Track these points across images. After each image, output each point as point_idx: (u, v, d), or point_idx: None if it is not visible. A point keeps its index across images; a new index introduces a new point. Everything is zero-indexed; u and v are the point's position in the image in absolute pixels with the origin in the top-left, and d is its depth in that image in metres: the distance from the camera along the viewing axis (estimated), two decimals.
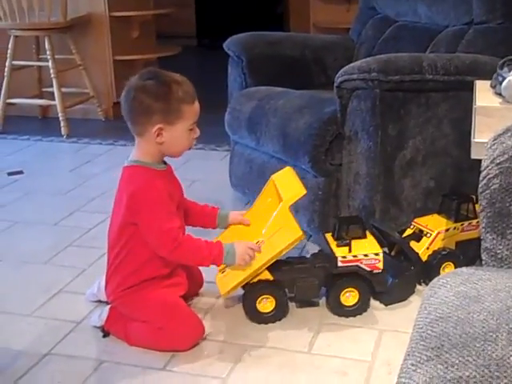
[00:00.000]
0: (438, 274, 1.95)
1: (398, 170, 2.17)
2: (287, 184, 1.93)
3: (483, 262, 1.14)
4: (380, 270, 1.90)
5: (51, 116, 4.18)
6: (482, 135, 1.47)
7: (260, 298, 1.87)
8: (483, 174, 1.10)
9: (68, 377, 1.68)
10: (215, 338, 1.83)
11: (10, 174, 3.23)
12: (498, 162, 1.09)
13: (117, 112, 4.24)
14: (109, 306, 1.88)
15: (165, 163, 1.86)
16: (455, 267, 2.01)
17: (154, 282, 1.83)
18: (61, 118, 3.83)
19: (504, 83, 1.75)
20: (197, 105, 1.80)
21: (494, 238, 1.09)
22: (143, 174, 1.79)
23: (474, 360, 0.79)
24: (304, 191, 1.87)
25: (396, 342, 1.78)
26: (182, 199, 1.93)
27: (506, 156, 1.09)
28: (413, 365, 0.82)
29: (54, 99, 3.86)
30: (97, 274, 2.13)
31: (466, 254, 2.06)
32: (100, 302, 1.98)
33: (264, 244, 1.83)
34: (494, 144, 1.12)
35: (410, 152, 2.17)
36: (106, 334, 1.86)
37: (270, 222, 1.85)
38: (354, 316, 1.92)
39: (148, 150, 1.80)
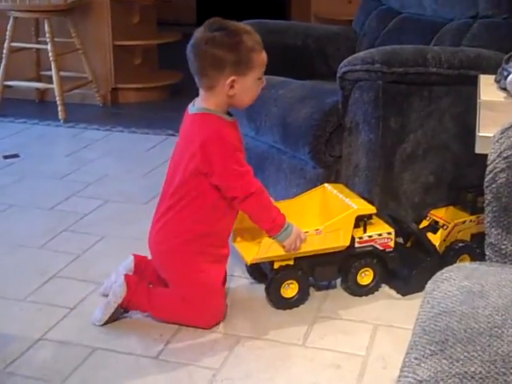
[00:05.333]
0: None
1: (398, 164, 2.15)
2: (354, 197, 1.98)
3: (487, 258, 1.13)
4: (392, 249, 1.96)
5: (49, 100, 4.14)
6: (487, 129, 1.45)
7: (284, 284, 1.89)
8: (489, 167, 1.09)
9: (60, 363, 1.66)
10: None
11: (5, 157, 3.19)
12: (505, 155, 1.07)
13: (115, 98, 4.21)
14: (123, 279, 1.80)
15: (231, 115, 1.83)
16: (471, 260, 2.01)
17: (206, 247, 1.81)
18: (58, 102, 3.79)
19: (509, 78, 1.73)
20: (265, 53, 1.79)
21: (498, 233, 1.07)
22: (215, 123, 1.77)
23: (479, 355, 0.77)
24: (375, 210, 1.94)
25: (391, 337, 1.77)
26: None
27: None
28: (416, 359, 0.81)
29: (51, 83, 3.82)
30: (92, 260, 2.10)
31: (482, 246, 2.05)
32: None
33: (321, 234, 1.86)
34: (501, 138, 1.10)
35: (411, 145, 2.15)
36: (126, 310, 1.84)
37: (336, 220, 1.88)
38: (373, 293, 1.98)
39: (217, 101, 1.77)
